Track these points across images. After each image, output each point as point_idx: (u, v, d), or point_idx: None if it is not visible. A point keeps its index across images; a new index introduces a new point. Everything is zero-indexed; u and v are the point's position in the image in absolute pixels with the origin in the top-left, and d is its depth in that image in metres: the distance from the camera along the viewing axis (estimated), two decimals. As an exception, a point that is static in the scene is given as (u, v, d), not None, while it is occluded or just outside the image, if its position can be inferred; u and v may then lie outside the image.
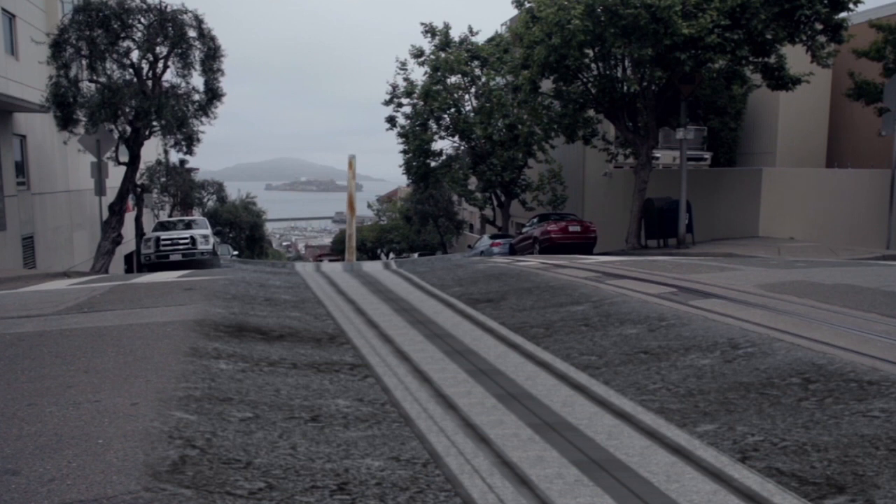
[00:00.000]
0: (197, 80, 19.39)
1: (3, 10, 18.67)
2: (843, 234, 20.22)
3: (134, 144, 19.37)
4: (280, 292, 7.75)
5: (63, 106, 17.75)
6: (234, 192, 61.64)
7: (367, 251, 55.20)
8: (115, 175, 20.08)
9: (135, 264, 26.60)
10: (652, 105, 20.55)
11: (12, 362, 4.51)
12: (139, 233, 26.98)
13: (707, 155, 25.18)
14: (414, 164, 31.27)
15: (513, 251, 23.36)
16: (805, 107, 24.50)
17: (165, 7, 18.36)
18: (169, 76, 19.14)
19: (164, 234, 22.53)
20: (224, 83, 19.59)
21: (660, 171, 24.36)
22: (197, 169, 45.32)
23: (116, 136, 19.07)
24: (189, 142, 19.68)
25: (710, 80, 20.58)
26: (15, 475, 2.74)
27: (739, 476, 2.88)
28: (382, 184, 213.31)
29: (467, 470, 3.03)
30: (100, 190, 17.73)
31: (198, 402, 3.70)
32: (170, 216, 35.93)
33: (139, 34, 18.30)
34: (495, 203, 33.28)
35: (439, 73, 30.57)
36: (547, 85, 22.32)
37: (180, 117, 18.59)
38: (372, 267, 10.81)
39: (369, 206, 65.89)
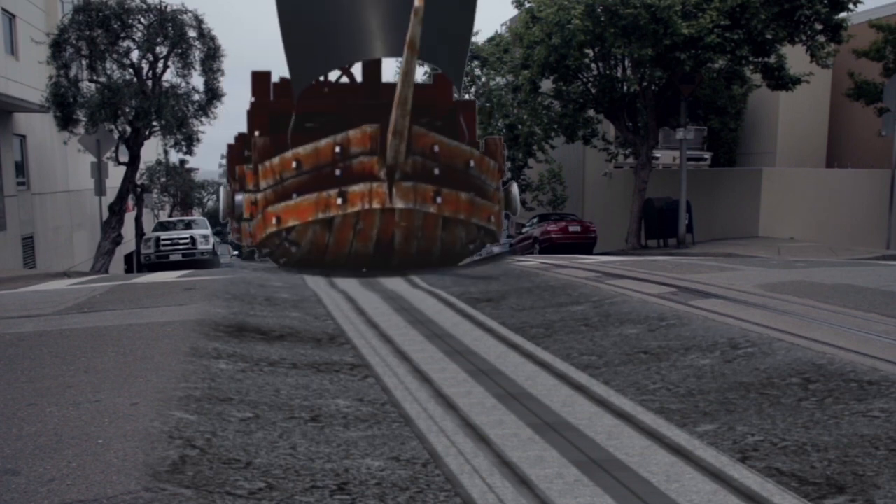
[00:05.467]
0: (197, 80, 19.45)
1: (3, 10, 18.68)
2: (843, 234, 20.21)
3: (134, 144, 19.39)
4: (280, 292, 7.75)
5: (63, 106, 17.77)
6: (234, 193, 61.53)
7: None
8: (115, 175, 20.08)
9: (135, 264, 26.59)
10: (652, 105, 20.56)
11: (12, 362, 4.51)
12: (139, 233, 26.98)
13: (707, 155, 25.19)
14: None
15: (513, 251, 23.36)
16: (805, 107, 24.49)
17: (165, 7, 18.40)
18: (169, 76, 19.21)
19: (164, 234, 22.57)
20: (224, 83, 19.63)
21: (660, 171, 24.36)
22: (197, 169, 45.31)
23: (116, 136, 19.08)
24: (189, 142, 19.74)
25: (710, 80, 20.60)
26: (15, 475, 2.74)
27: (739, 476, 2.88)
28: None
29: (467, 470, 3.03)
30: (100, 190, 17.76)
31: (198, 402, 3.70)
32: (170, 216, 35.97)
33: (139, 34, 18.33)
34: (495, 203, 33.21)
35: (439, 73, 30.56)
36: (547, 85, 22.34)
37: (180, 117, 18.63)
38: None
39: None
